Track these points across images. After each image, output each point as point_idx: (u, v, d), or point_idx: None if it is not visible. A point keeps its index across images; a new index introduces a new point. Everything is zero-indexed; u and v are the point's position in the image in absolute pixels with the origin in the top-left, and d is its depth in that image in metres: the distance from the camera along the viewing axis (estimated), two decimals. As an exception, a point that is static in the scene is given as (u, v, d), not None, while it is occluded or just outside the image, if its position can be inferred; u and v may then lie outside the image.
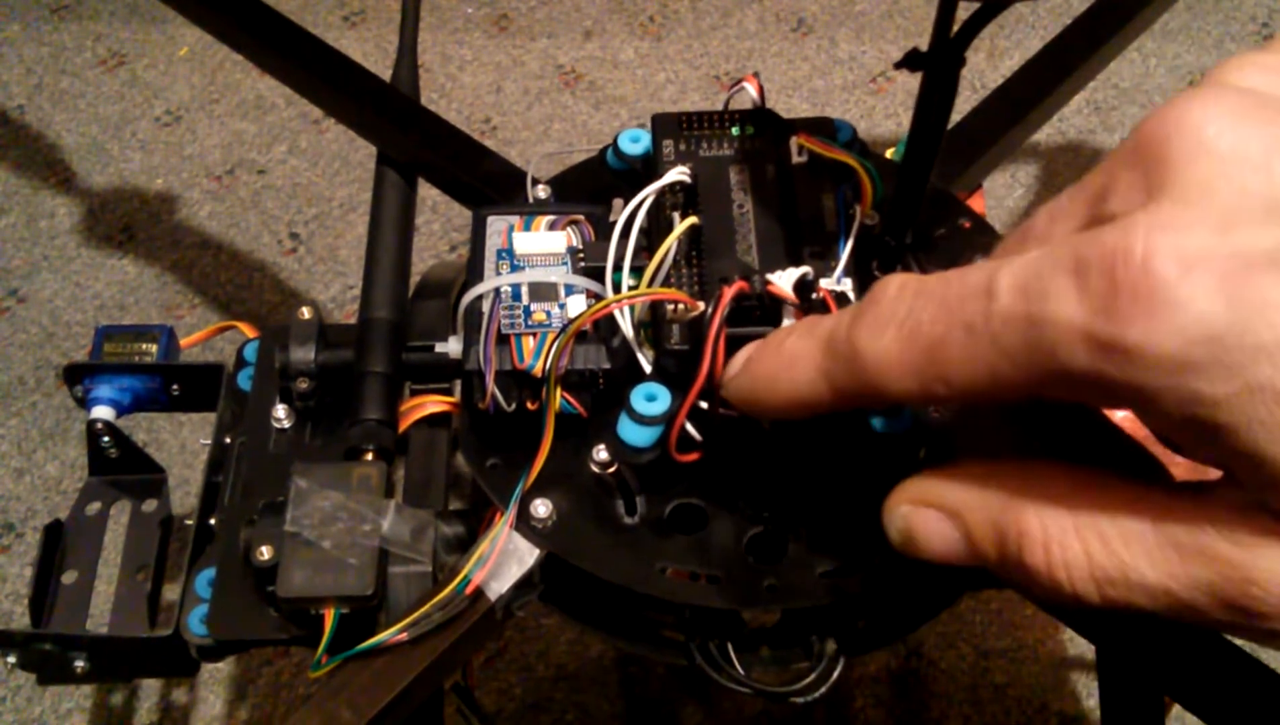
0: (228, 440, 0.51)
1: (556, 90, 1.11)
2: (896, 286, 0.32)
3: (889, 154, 0.55)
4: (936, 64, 0.40)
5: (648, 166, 0.51)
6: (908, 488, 0.35)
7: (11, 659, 0.48)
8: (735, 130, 0.49)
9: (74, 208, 1.04)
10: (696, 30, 1.15)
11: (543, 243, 0.48)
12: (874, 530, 0.45)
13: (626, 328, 0.45)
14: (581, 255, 0.47)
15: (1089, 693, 0.78)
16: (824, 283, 0.44)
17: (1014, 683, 0.79)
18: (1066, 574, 0.31)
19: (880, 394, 0.32)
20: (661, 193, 0.47)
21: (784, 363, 0.36)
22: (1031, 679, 0.79)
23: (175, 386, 0.55)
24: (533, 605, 0.46)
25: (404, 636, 0.43)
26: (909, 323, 0.31)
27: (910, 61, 0.40)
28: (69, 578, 0.54)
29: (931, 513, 0.35)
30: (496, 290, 0.46)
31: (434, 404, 0.51)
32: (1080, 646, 0.79)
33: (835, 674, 0.45)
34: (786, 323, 0.42)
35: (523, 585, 0.44)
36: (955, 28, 0.39)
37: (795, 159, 0.48)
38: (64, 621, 0.52)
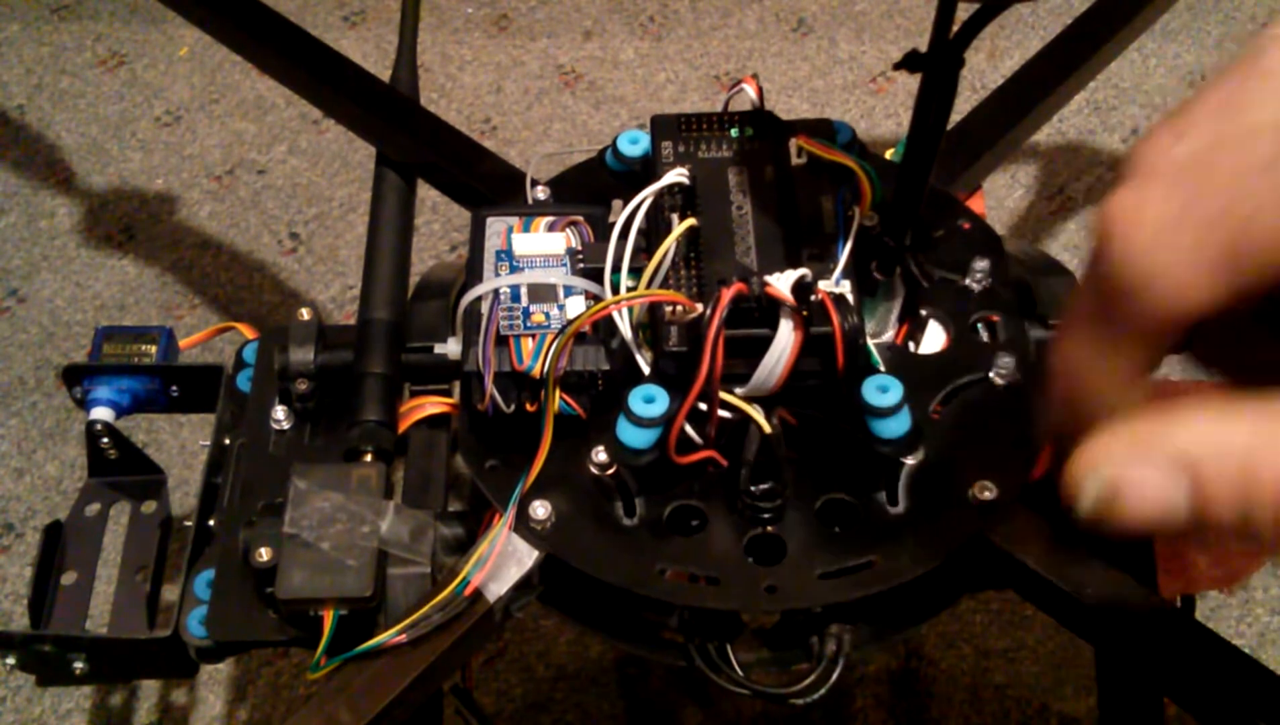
0: (227, 441, 0.51)
1: (556, 90, 1.11)
2: None
3: (889, 155, 0.55)
4: (936, 65, 0.40)
5: (647, 168, 0.51)
6: (1117, 436, 0.27)
7: (11, 660, 0.48)
8: (734, 131, 0.49)
9: (74, 208, 1.04)
10: (696, 30, 1.15)
11: (542, 244, 0.48)
12: (873, 530, 0.45)
13: (625, 329, 0.45)
14: (580, 256, 0.47)
15: (1089, 693, 0.78)
16: (822, 284, 0.44)
17: (1014, 683, 0.79)
18: None
19: None
20: (660, 194, 0.47)
21: None
22: (1031, 679, 0.79)
23: (175, 388, 0.55)
24: (532, 606, 0.46)
25: (403, 638, 0.43)
26: None
27: (910, 63, 0.40)
28: (68, 579, 0.54)
29: (1152, 466, 0.26)
30: (495, 291, 0.46)
31: (433, 405, 0.51)
32: (1080, 646, 0.79)
33: (834, 675, 0.45)
34: (784, 325, 0.42)
35: (522, 587, 0.44)
36: (954, 29, 0.39)
37: (794, 160, 0.48)
38: (63, 622, 0.52)
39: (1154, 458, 0.27)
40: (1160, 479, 0.26)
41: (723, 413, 0.43)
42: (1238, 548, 0.30)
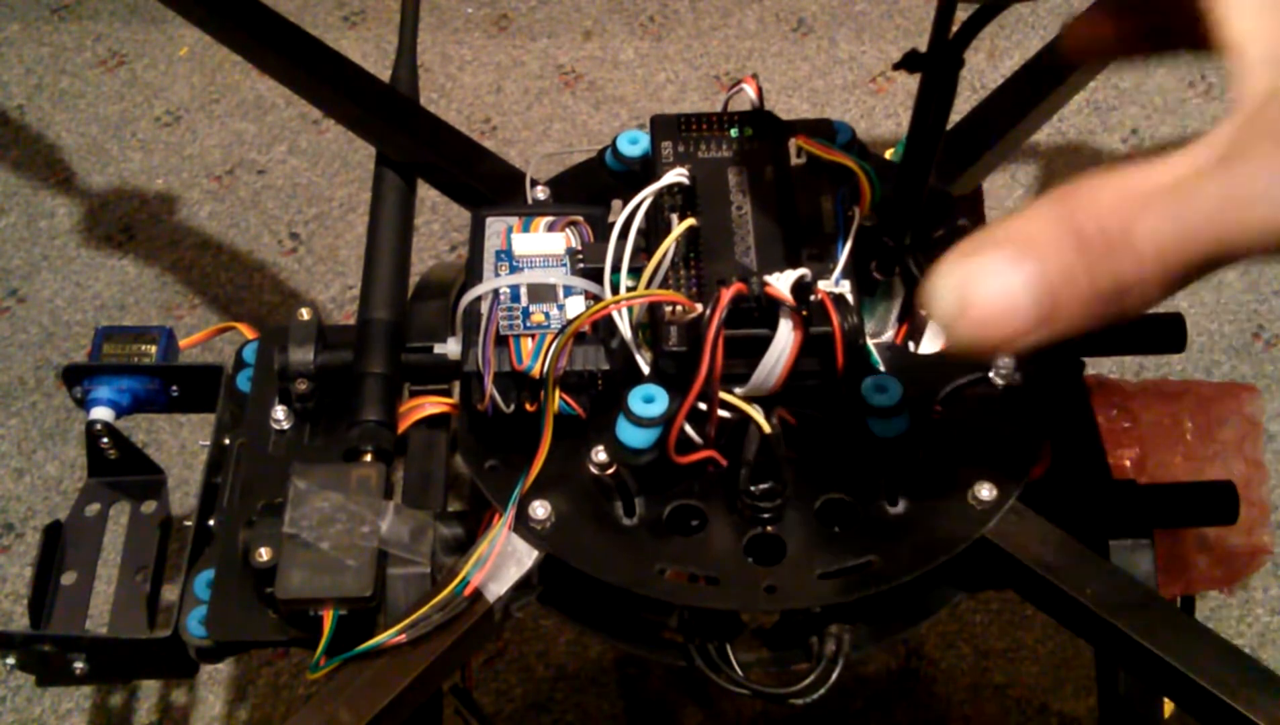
0: (227, 441, 0.51)
1: (556, 90, 1.11)
2: None
3: (888, 155, 0.55)
4: (935, 65, 0.40)
5: (646, 168, 0.51)
6: (958, 247, 0.30)
7: (11, 660, 0.48)
8: (734, 132, 0.49)
9: (74, 208, 1.04)
10: (696, 30, 1.15)
11: (541, 244, 0.48)
12: (873, 530, 0.45)
13: (625, 329, 0.45)
14: (580, 256, 0.47)
15: (1089, 693, 0.78)
16: (822, 284, 0.44)
17: (1014, 683, 0.79)
18: (1138, 240, 0.28)
19: None
20: (660, 194, 0.47)
21: None
22: (1031, 679, 0.79)
23: (174, 388, 0.55)
24: (531, 607, 0.46)
25: (403, 638, 0.43)
26: None
27: (909, 63, 0.40)
28: (68, 579, 0.54)
29: (987, 255, 0.30)
30: (495, 291, 0.46)
31: (433, 405, 0.51)
32: (1080, 647, 0.79)
33: (834, 675, 0.45)
34: (783, 324, 0.42)
35: (521, 586, 0.44)
36: (954, 29, 0.39)
37: (794, 160, 0.48)
38: (63, 622, 0.52)
39: (982, 250, 0.30)
40: (999, 259, 0.29)
41: (722, 413, 0.43)
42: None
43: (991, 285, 0.30)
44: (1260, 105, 0.30)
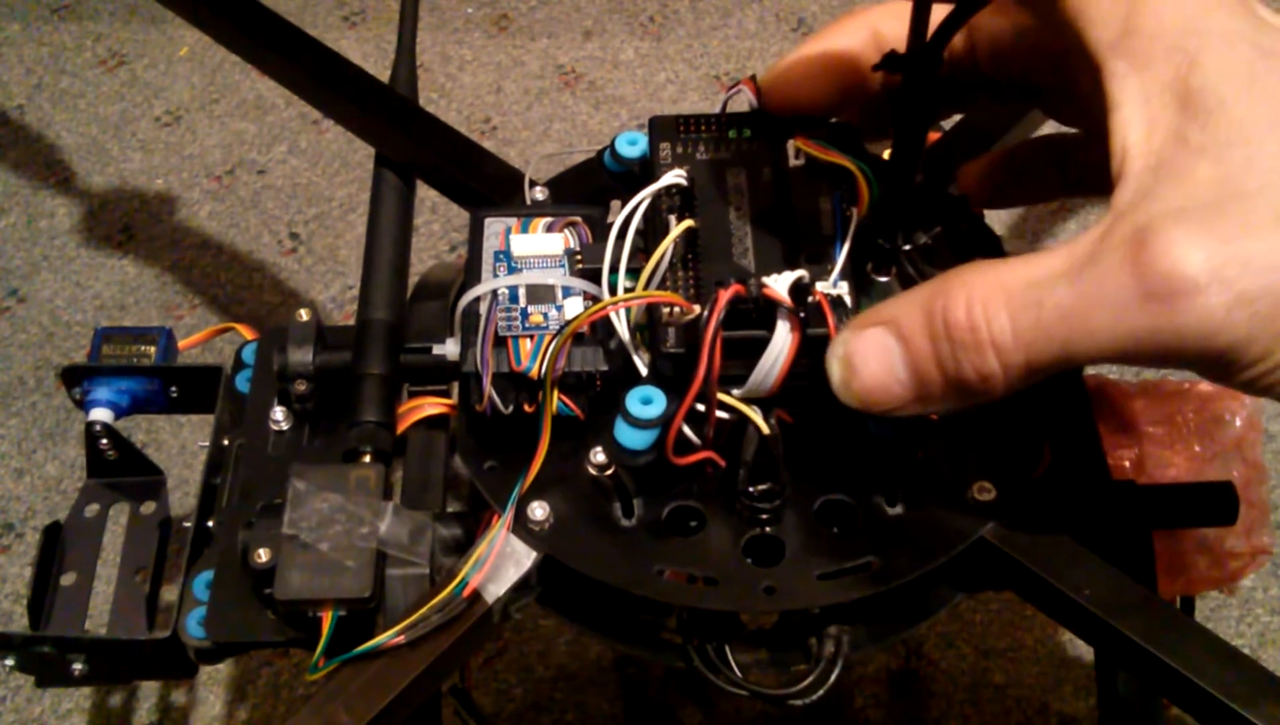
0: (226, 442, 0.51)
1: (556, 90, 1.11)
2: None
3: (887, 155, 0.55)
4: (914, 66, 0.40)
5: (645, 169, 0.51)
6: (847, 325, 0.37)
7: (10, 661, 0.48)
8: (732, 133, 0.49)
9: (74, 208, 1.04)
10: (696, 30, 1.15)
11: (540, 245, 0.48)
12: (872, 531, 0.45)
13: (623, 330, 0.45)
14: (579, 257, 0.47)
15: (1089, 693, 0.78)
16: (820, 286, 0.44)
17: (1014, 683, 0.79)
18: (990, 336, 0.32)
19: None
20: (658, 195, 0.47)
21: None
22: (1031, 679, 0.79)
23: (174, 388, 0.55)
24: (531, 607, 0.46)
25: (402, 639, 0.43)
26: None
27: (888, 64, 0.40)
28: (68, 579, 0.54)
29: (868, 332, 0.35)
30: (494, 292, 0.46)
31: (432, 406, 0.51)
32: (1080, 647, 0.79)
33: (834, 676, 0.45)
34: (781, 326, 0.42)
35: (520, 588, 0.44)
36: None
37: (792, 162, 0.48)
38: (62, 623, 0.52)
39: (868, 326, 0.35)
40: (877, 338, 0.35)
41: (720, 414, 0.43)
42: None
43: (870, 364, 0.35)
44: (1121, 215, 0.31)
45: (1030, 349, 0.32)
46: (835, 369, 0.36)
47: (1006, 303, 0.32)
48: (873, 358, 0.35)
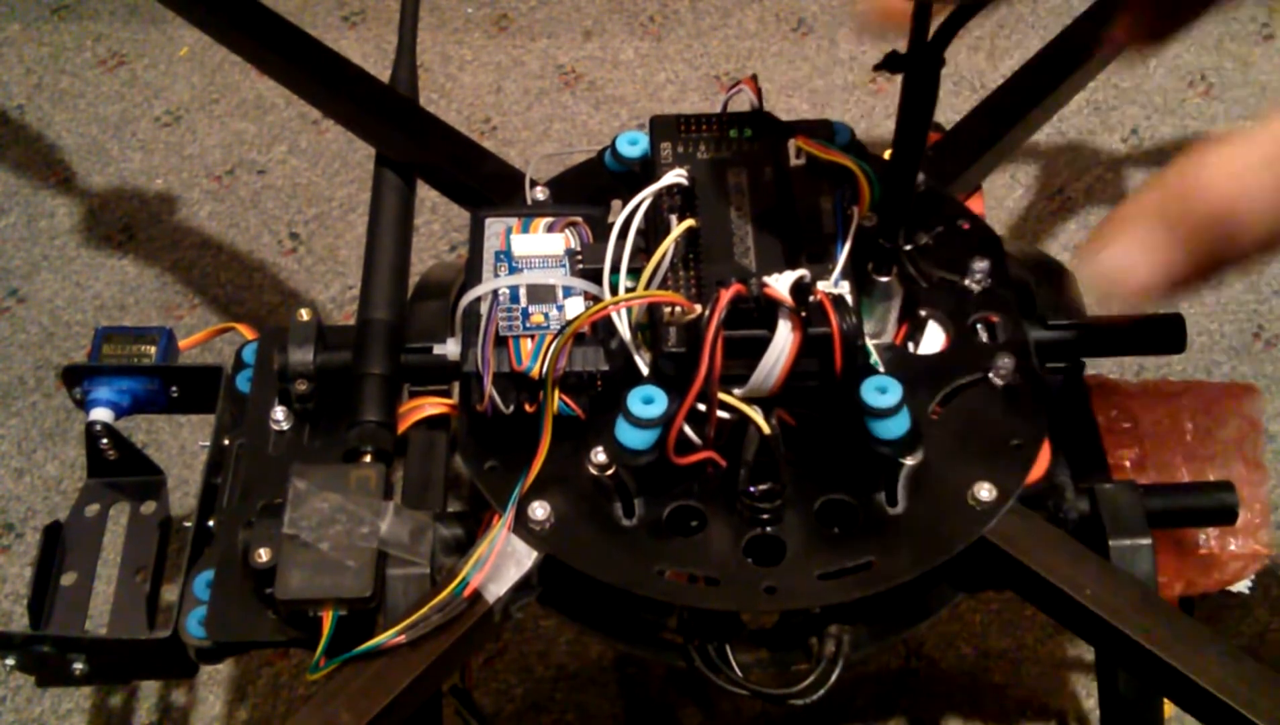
0: (226, 442, 0.51)
1: (556, 90, 1.11)
2: None
3: (887, 155, 0.55)
4: (915, 66, 0.40)
5: (646, 169, 0.51)
6: (1098, 233, 0.34)
7: (10, 661, 0.48)
8: (733, 133, 0.49)
9: (74, 208, 1.04)
10: (696, 30, 1.15)
11: (541, 245, 0.48)
12: (872, 531, 0.45)
13: (624, 330, 0.45)
14: (579, 257, 0.47)
15: (1089, 693, 0.78)
16: (821, 285, 0.44)
17: (1014, 683, 0.79)
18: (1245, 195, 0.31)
19: None
20: (659, 195, 0.47)
21: None
22: (1031, 679, 0.79)
23: (174, 388, 0.55)
24: (531, 607, 0.46)
25: (402, 638, 0.43)
26: None
27: (890, 64, 0.40)
28: (68, 579, 0.54)
29: (1128, 236, 0.33)
30: (495, 292, 0.46)
31: (432, 406, 0.51)
32: (1080, 647, 0.79)
33: (834, 675, 0.45)
34: (782, 325, 0.42)
35: (521, 587, 0.44)
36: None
37: (793, 161, 0.48)
38: (63, 623, 0.52)
39: (1128, 227, 0.33)
40: (1138, 241, 0.33)
41: (721, 414, 0.43)
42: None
43: (1121, 264, 0.33)
44: None
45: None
46: (1102, 289, 0.35)
47: (1253, 175, 0.31)
48: (1141, 261, 0.33)
